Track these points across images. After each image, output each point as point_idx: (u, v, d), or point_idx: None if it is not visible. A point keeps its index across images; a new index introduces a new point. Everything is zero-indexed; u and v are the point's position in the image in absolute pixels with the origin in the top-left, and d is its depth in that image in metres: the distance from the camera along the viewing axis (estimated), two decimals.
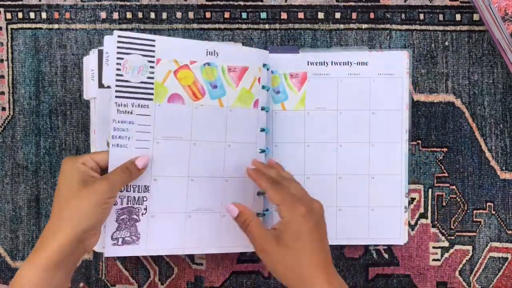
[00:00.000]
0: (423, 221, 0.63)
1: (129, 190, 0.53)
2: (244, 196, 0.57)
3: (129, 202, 0.53)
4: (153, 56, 0.53)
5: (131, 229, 0.54)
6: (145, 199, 0.54)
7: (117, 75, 0.52)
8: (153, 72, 0.53)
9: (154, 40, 0.53)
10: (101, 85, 0.56)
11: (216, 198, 0.56)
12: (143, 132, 0.53)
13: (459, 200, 0.62)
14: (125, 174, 0.50)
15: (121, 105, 0.52)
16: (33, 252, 0.47)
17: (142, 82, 0.53)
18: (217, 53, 0.55)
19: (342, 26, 0.62)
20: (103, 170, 0.51)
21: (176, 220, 0.55)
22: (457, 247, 0.63)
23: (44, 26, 0.61)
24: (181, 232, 0.55)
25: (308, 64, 0.60)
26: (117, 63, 0.52)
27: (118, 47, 0.52)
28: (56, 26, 0.61)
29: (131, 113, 0.52)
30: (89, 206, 0.47)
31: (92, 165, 0.50)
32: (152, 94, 0.53)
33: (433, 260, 0.63)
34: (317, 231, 0.47)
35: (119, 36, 0.52)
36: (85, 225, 0.47)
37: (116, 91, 0.52)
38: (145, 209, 0.54)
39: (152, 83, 0.53)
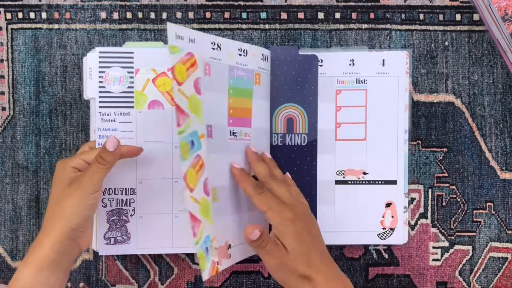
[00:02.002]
0: (423, 221, 0.63)
1: (117, 193, 0.57)
2: None
3: (118, 204, 0.57)
4: (132, 67, 0.57)
5: (122, 229, 0.57)
6: (132, 201, 0.57)
7: (100, 87, 0.56)
8: (132, 82, 0.57)
9: (132, 52, 0.56)
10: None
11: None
12: (126, 138, 0.56)
13: (459, 200, 0.62)
14: (101, 163, 0.49)
15: (105, 114, 0.56)
16: (28, 254, 0.48)
17: (123, 92, 0.57)
18: None
19: (342, 26, 0.62)
20: None
21: (163, 220, 0.58)
22: (457, 247, 0.63)
23: (44, 26, 0.62)
24: (170, 232, 0.58)
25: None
26: (100, 76, 0.56)
27: (100, 62, 0.56)
28: (56, 26, 0.61)
29: (114, 121, 0.56)
30: (74, 204, 0.48)
31: (83, 166, 0.51)
32: (132, 102, 0.57)
33: (433, 260, 0.63)
34: (307, 232, 0.49)
35: (100, 52, 0.56)
36: (72, 223, 0.48)
37: (100, 102, 0.56)
38: (133, 210, 0.57)
39: (132, 92, 0.57)
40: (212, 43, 0.52)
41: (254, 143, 0.56)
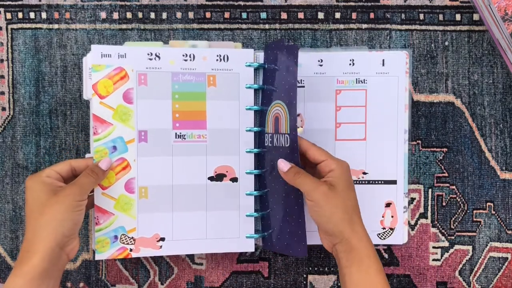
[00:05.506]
0: (423, 221, 0.63)
1: None
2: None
3: None
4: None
5: None
6: None
7: None
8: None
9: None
10: None
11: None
12: None
13: (459, 200, 0.62)
14: (92, 177, 0.52)
15: None
16: (17, 265, 0.47)
17: None
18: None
19: (342, 26, 0.62)
20: (66, 180, 0.52)
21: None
22: (457, 247, 0.63)
23: (44, 26, 0.62)
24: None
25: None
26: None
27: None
28: (56, 26, 0.62)
29: None
30: (64, 210, 0.48)
31: (56, 176, 0.51)
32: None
33: (433, 260, 0.63)
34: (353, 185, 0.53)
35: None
36: (64, 229, 0.48)
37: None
38: None
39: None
40: (148, 54, 0.55)
41: (212, 145, 0.57)
